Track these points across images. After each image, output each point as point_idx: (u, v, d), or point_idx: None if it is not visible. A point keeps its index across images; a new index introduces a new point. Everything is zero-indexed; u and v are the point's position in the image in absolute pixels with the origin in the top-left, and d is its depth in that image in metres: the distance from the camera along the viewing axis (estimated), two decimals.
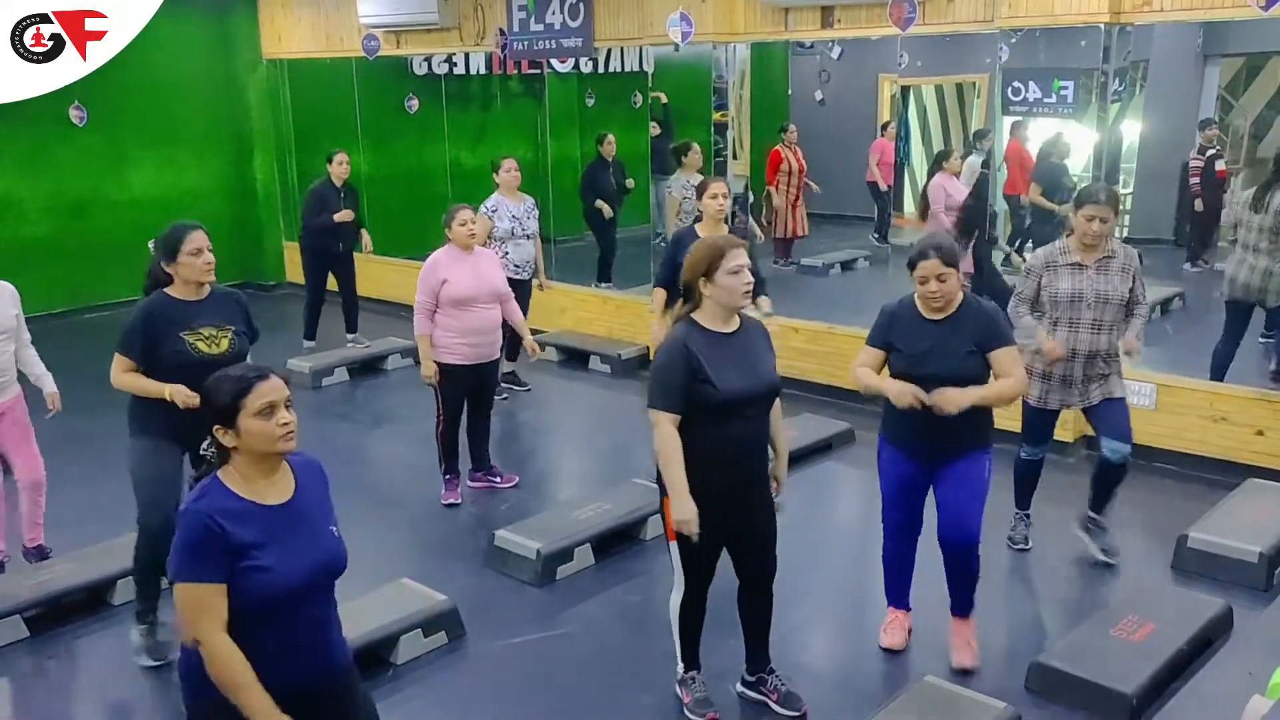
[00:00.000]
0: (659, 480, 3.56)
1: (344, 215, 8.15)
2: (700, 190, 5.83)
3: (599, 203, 9.61)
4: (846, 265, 10.89)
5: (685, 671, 3.86)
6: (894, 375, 3.90)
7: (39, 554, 5.00)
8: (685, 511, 3.39)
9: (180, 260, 3.99)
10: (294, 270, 10.42)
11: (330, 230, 8.21)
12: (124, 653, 4.39)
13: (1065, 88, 6.21)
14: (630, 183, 9.68)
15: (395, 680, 4.08)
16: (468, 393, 5.63)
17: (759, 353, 3.54)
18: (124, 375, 4.08)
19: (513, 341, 7.19)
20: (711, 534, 3.50)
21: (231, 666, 2.34)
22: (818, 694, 3.96)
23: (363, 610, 4.30)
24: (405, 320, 9.70)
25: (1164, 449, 5.91)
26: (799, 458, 6.17)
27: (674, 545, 3.60)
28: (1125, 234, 10.38)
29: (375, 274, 10.34)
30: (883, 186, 10.99)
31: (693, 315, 3.47)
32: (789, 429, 6.36)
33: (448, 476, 5.70)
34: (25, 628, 4.44)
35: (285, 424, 2.44)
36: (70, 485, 5.97)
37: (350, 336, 8.61)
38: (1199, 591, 4.49)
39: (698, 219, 5.95)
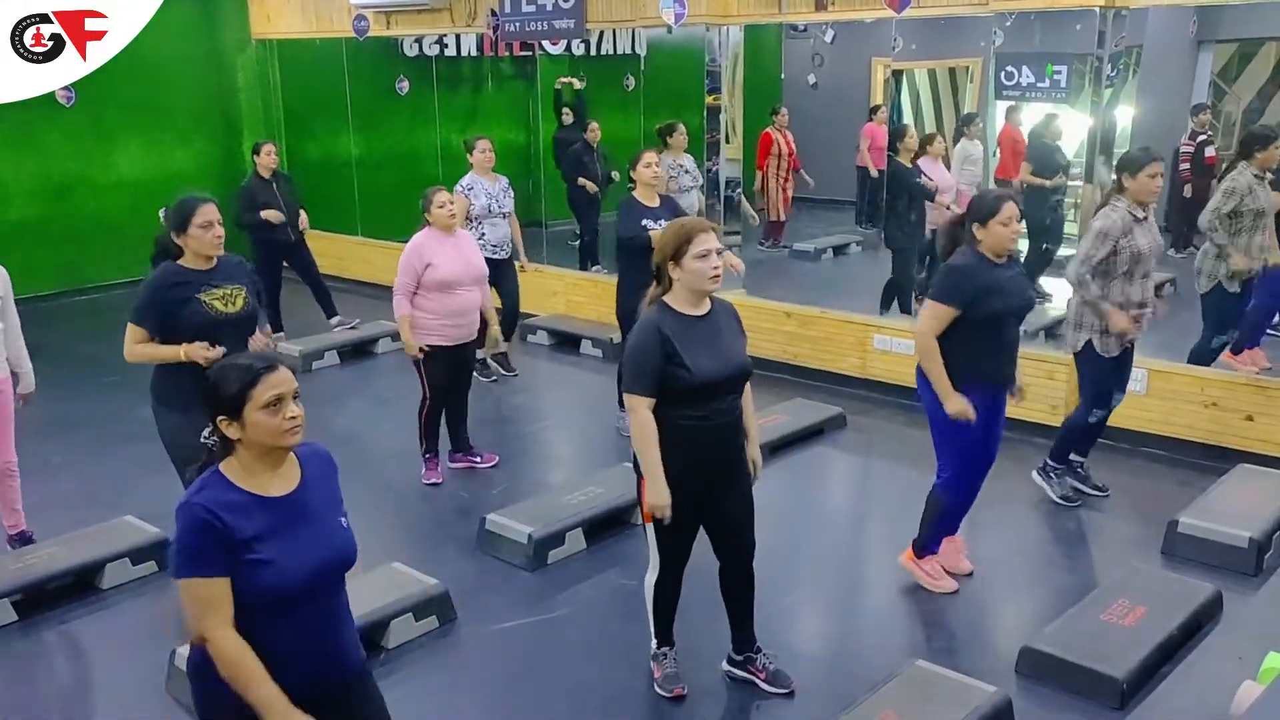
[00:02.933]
0: (635, 463, 3.57)
1: (271, 215, 7.98)
2: (635, 160, 6.09)
3: (581, 180, 9.57)
4: (839, 250, 10.87)
5: (658, 647, 3.90)
6: (984, 318, 4.13)
7: (21, 539, 4.92)
8: (660, 496, 3.43)
9: (190, 233, 4.01)
10: None
11: (267, 225, 8.06)
12: (113, 637, 4.38)
13: (1059, 72, 6.21)
14: (615, 174, 9.64)
15: (387, 664, 4.07)
16: (450, 373, 5.64)
17: (730, 335, 3.55)
18: (138, 347, 4.07)
19: (504, 322, 7.19)
20: (687, 516, 3.55)
21: (240, 662, 2.28)
22: (808, 677, 3.97)
23: (354, 594, 4.23)
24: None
25: (1154, 434, 5.92)
26: (790, 442, 6.17)
27: (649, 526, 3.63)
28: None
29: (363, 256, 10.31)
30: (873, 172, 10.96)
31: (664, 298, 3.48)
32: (782, 414, 6.41)
33: (428, 456, 5.74)
34: (13, 611, 4.42)
35: (293, 418, 2.37)
36: (57, 469, 5.95)
37: (334, 320, 8.54)
38: (1189, 576, 4.50)
39: (633, 187, 6.17)
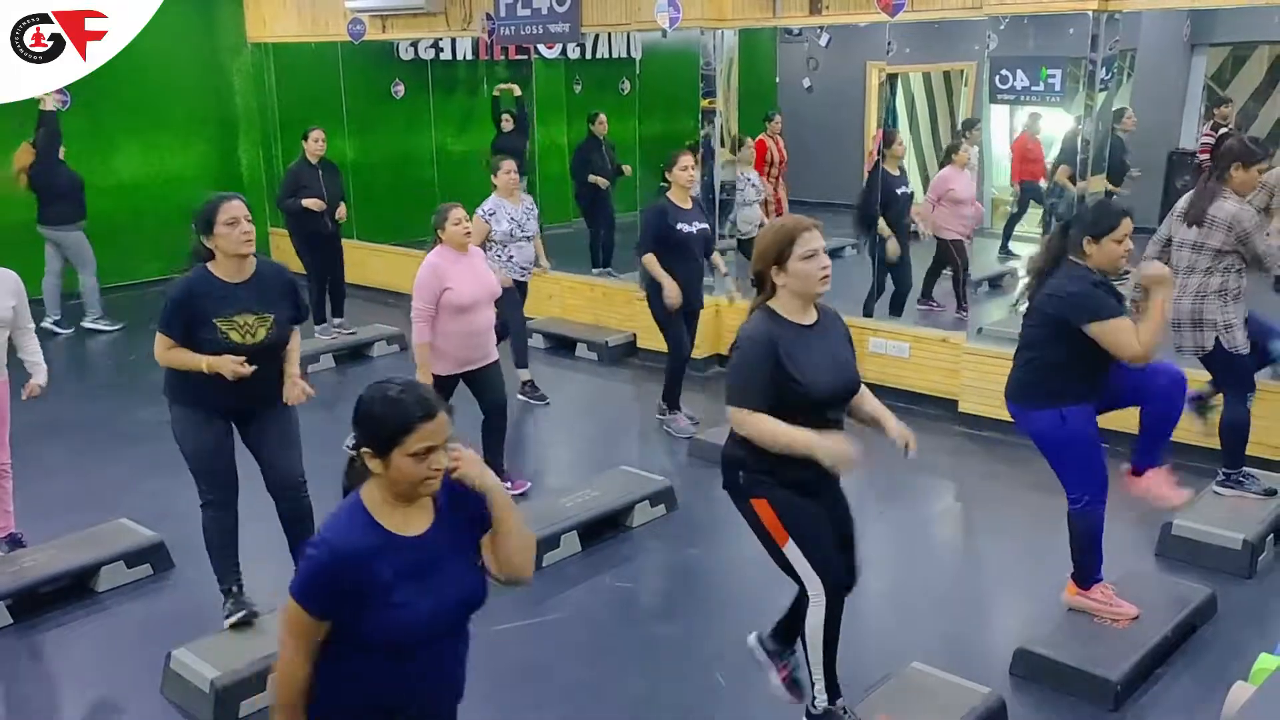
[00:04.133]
0: (743, 488, 3.28)
1: (313, 203, 7.98)
2: (672, 162, 6.05)
3: (593, 176, 9.56)
4: (834, 254, 10.86)
5: (831, 700, 3.39)
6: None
7: (11, 542, 4.83)
8: (836, 443, 3.06)
9: (217, 232, 3.85)
10: (280, 255, 10.34)
11: (305, 212, 8.05)
12: (108, 640, 4.38)
13: (1053, 76, 6.22)
14: (627, 169, 9.62)
15: None
16: (451, 395, 5.29)
17: (840, 345, 3.29)
18: (168, 353, 3.95)
19: (518, 348, 7.17)
20: (825, 526, 3.29)
21: (290, 687, 2.28)
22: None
23: None
24: (391, 307, 9.70)
25: None
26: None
27: (791, 547, 3.22)
28: None
29: (359, 259, 10.31)
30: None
31: (769, 304, 3.20)
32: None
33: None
34: (7, 614, 4.41)
35: (437, 470, 2.27)
36: (55, 471, 5.95)
37: (336, 321, 8.55)
38: (1183, 578, 4.52)
39: (666, 188, 6.12)
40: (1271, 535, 4.81)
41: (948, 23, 6.86)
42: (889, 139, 7.97)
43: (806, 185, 11.29)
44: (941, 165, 8.19)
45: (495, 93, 10.72)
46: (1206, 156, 9.40)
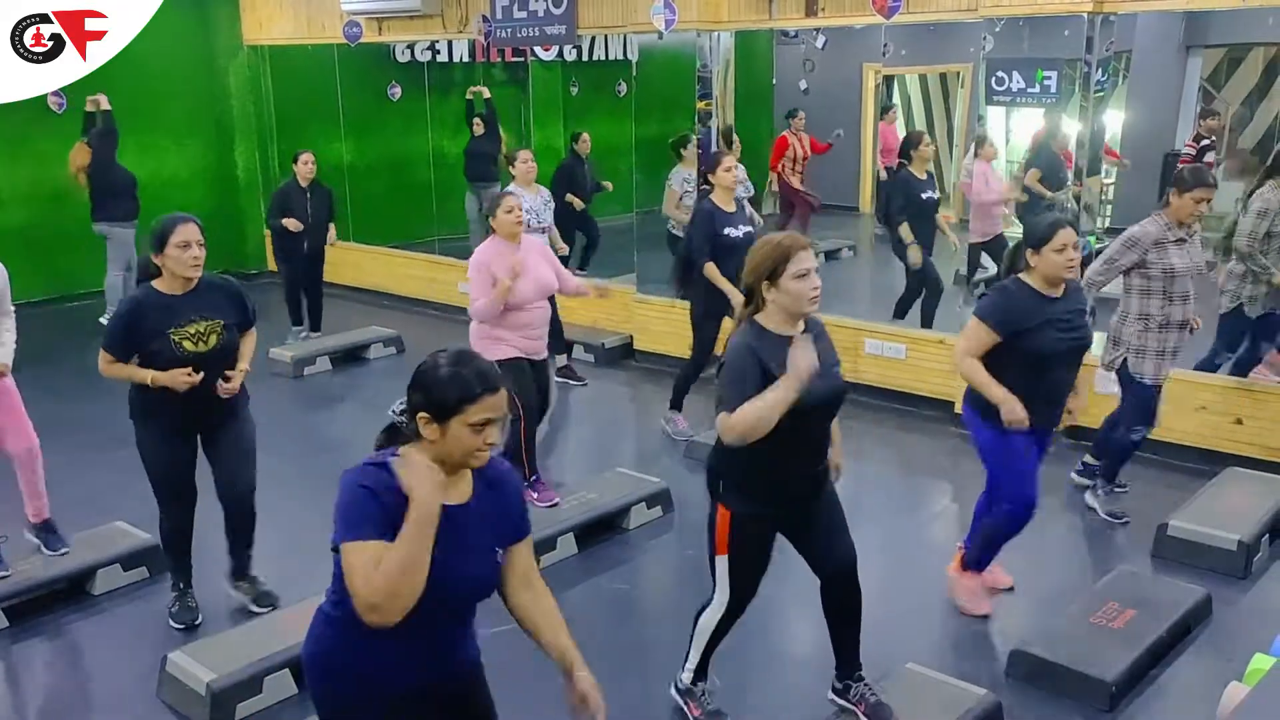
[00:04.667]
0: (713, 489, 3.43)
1: (292, 224, 8.00)
2: (714, 163, 5.96)
3: (569, 196, 9.56)
4: (830, 255, 10.89)
5: (693, 682, 3.69)
6: (1026, 356, 3.90)
7: (46, 528, 4.76)
8: (798, 367, 3.02)
9: (167, 252, 3.94)
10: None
11: (287, 232, 8.09)
12: (104, 643, 4.37)
13: (1048, 78, 6.23)
14: (608, 185, 9.62)
15: None
16: (532, 385, 5.21)
17: (826, 355, 3.25)
18: (110, 367, 4.04)
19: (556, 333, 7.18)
20: (768, 544, 3.44)
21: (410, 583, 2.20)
22: (800, 680, 3.98)
23: None
24: (387, 309, 9.71)
25: (1145, 438, 5.93)
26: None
27: (722, 560, 3.43)
28: (1107, 224, 10.44)
29: (356, 261, 10.31)
30: (881, 175, 10.97)
31: (755, 318, 3.24)
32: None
33: (534, 479, 5.28)
34: (4, 617, 4.41)
35: (490, 443, 2.30)
36: (52, 474, 5.90)
37: (301, 330, 8.57)
38: (1179, 579, 4.52)
39: (710, 190, 6.03)
40: (1266, 536, 4.82)
41: (943, 25, 6.88)
42: (915, 140, 7.48)
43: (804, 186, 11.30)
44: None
45: (468, 95, 10.70)
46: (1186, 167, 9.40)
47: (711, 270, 5.91)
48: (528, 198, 6.89)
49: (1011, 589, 4.60)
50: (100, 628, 4.47)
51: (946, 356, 6.67)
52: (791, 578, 4.64)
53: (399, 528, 2.18)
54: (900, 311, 7.60)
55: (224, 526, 4.44)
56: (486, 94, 10.37)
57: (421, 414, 2.29)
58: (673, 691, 3.77)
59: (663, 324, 7.90)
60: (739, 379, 3.16)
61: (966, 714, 3.49)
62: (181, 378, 3.92)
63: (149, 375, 3.94)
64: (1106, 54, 6.02)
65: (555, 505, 5.18)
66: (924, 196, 7.32)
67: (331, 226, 8.39)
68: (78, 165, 8.86)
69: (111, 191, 8.85)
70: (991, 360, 3.96)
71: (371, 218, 10.64)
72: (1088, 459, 5.53)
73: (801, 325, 3.27)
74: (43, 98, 9.59)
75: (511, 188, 6.97)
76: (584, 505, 5.17)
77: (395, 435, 2.39)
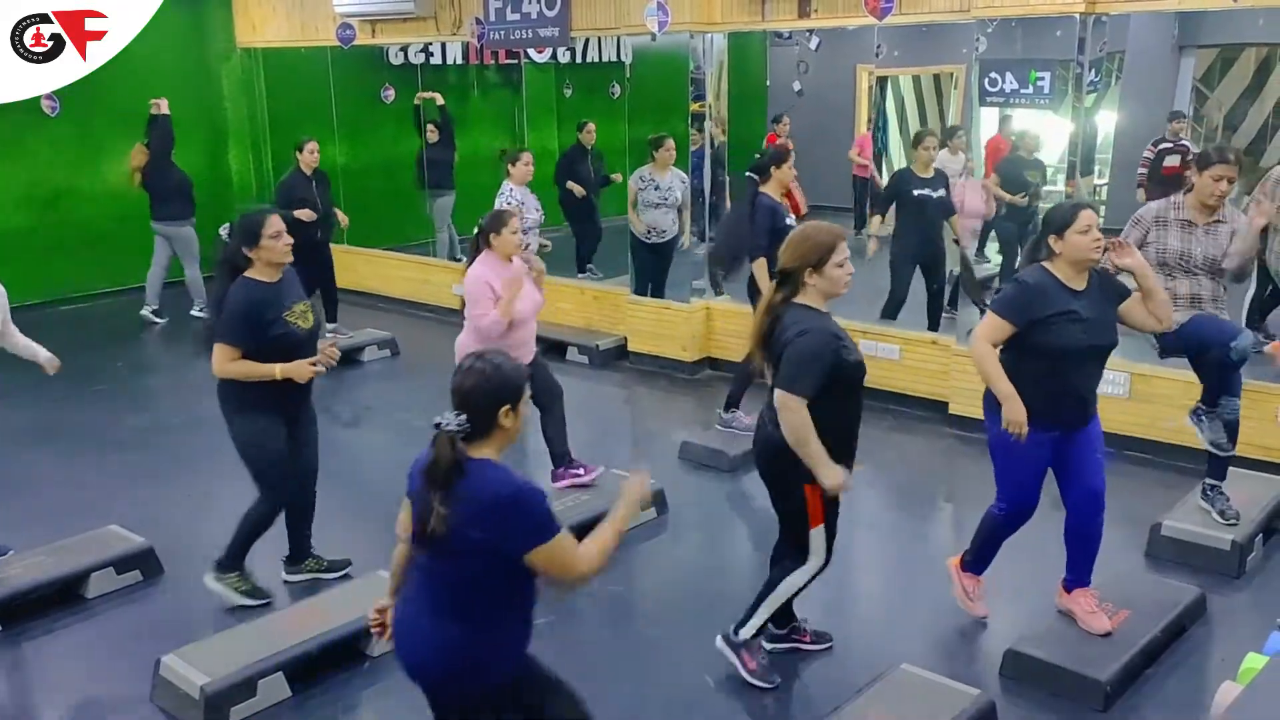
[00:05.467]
0: (792, 473, 3.60)
1: (305, 214, 7.94)
2: (779, 159, 6.06)
3: (570, 184, 9.57)
4: None
5: (753, 636, 3.90)
6: (1045, 350, 3.81)
7: None
8: (837, 474, 3.52)
9: (263, 244, 4.15)
10: None
11: (297, 221, 8.07)
12: (98, 646, 4.36)
13: (1041, 79, 6.24)
14: (617, 176, 9.60)
15: (372, 672, 4.07)
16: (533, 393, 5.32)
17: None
18: (232, 365, 4.18)
19: None
20: (836, 505, 3.73)
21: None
22: (793, 680, 3.98)
23: (338, 602, 4.29)
24: (381, 311, 9.70)
25: (1138, 438, 5.95)
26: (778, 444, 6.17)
27: (818, 530, 3.70)
28: (1100, 224, 10.44)
29: (349, 264, 10.30)
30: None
31: (800, 300, 3.57)
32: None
33: (559, 469, 5.56)
34: None
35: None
36: (45, 478, 5.94)
37: (330, 327, 8.54)
38: (1173, 579, 4.53)
39: (763, 181, 6.06)
40: (1260, 535, 4.83)
41: (936, 26, 6.89)
42: (917, 139, 7.61)
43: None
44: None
45: (416, 101, 10.62)
46: (1144, 172, 9.37)
47: (762, 266, 5.85)
48: (533, 199, 7.16)
49: (1108, 634, 4.23)
50: (94, 631, 4.46)
51: (941, 357, 6.68)
52: None
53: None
54: (889, 312, 7.67)
55: (288, 510, 4.60)
56: (439, 100, 10.33)
57: (505, 407, 2.60)
58: (722, 645, 3.93)
59: (656, 325, 7.90)
60: (814, 360, 3.47)
61: (961, 714, 3.49)
62: (307, 369, 4.20)
63: (276, 369, 4.15)
64: (1099, 55, 6.03)
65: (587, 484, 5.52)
66: (915, 194, 7.38)
67: (339, 212, 8.43)
68: (135, 166, 9.08)
69: (169, 193, 9.14)
70: (1010, 355, 3.87)
71: (365, 220, 10.59)
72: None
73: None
74: (36, 101, 9.58)
75: (519, 188, 7.12)
76: (577, 506, 5.17)
77: (453, 444, 2.56)
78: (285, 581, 4.69)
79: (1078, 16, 5.82)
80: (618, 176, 9.54)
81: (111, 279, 10.31)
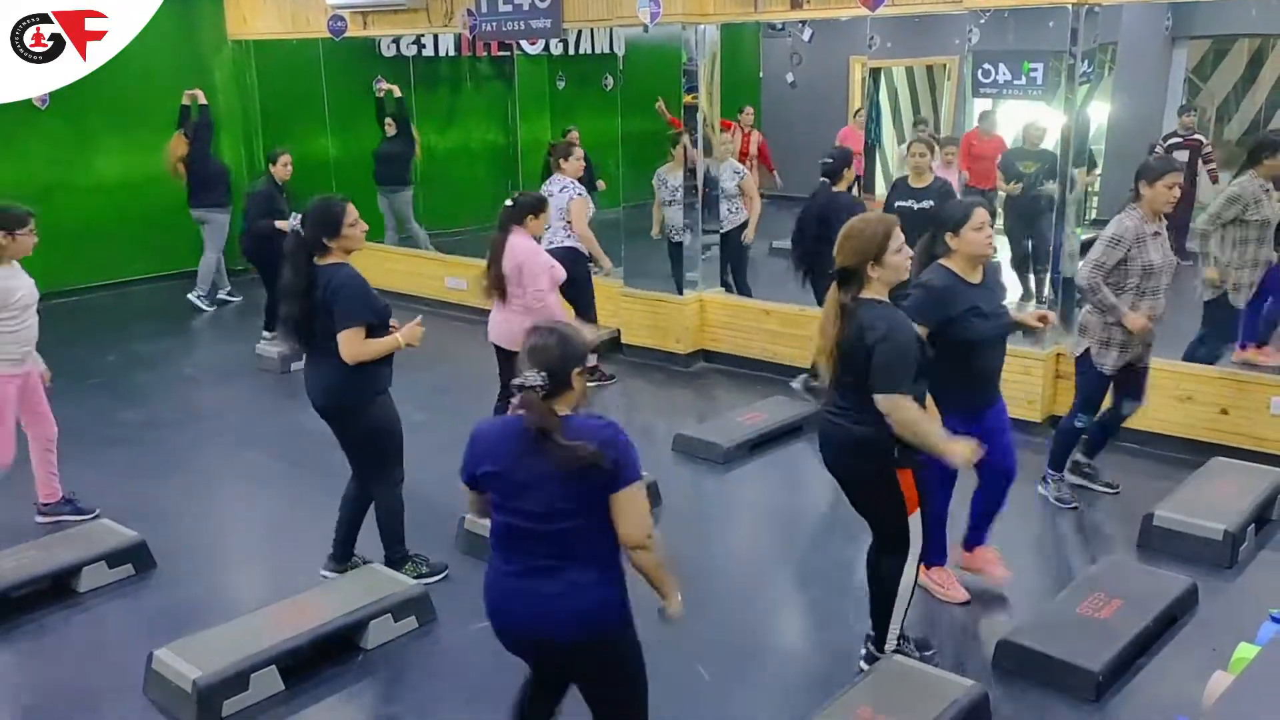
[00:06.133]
0: (890, 459, 3.56)
1: (286, 225, 7.84)
2: (849, 160, 6.29)
3: None
4: None
5: (900, 645, 3.86)
6: (959, 343, 4.01)
7: (72, 506, 5.27)
8: (966, 445, 3.54)
9: (345, 233, 4.26)
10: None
11: (273, 233, 7.91)
12: (90, 640, 4.36)
13: (1035, 70, 6.23)
14: (601, 184, 9.55)
15: (366, 665, 4.07)
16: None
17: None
18: (366, 345, 4.25)
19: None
20: None
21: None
22: (787, 673, 3.99)
23: (332, 595, 4.29)
24: None
25: (1130, 428, 5.94)
26: (770, 439, 6.18)
27: (915, 517, 3.67)
28: (1093, 215, 10.46)
29: None
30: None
31: (866, 294, 3.52)
32: (761, 412, 6.44)
33: None
34: None
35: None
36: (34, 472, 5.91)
37: (268, 335, 8.30)
38: (1165, 569, 4.54)
39: (832, 180, 6.37)
40: (1252, 526, 4.84)
41: (929, 17, 6.87)
42: (908, 146, 7.12)
43: (791, 180, 11.29)
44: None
45: (378, 94, 10.53)
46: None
47: None
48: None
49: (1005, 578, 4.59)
50: (85, 625, 4.45)
51: None
52: (780, 578, 4.65)
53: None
54: None
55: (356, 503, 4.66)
56: (398, 92, 10.27)
57: (577, 369, 2.74)
58: (865, 666, 3.88)
59: (650, 318, 7.89)
60: (907, 358, 3.48)
61: (953, 704, 3.50)
62: (418, 329, 4.36)
63: (399, 339, 4.30)
64: (1092, 46, 6.03)
65: None
66: (896, 205, 6.72)
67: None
68: (176, 156, 9.35)
69: (208, 181, 9.41)
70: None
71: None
72: (1078, 457, 5.49)
73: None
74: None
75: (572, 180, 7.15)
76: None
77: (541, 397, 2.69)
78: (324, 577, 4.63)
79: (1070, 7, 5.82)
80: (601, 185, 9.48)
81: (103, 273, 10.29)
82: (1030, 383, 6.14)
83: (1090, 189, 9.80)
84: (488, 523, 4.86)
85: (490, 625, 2.88)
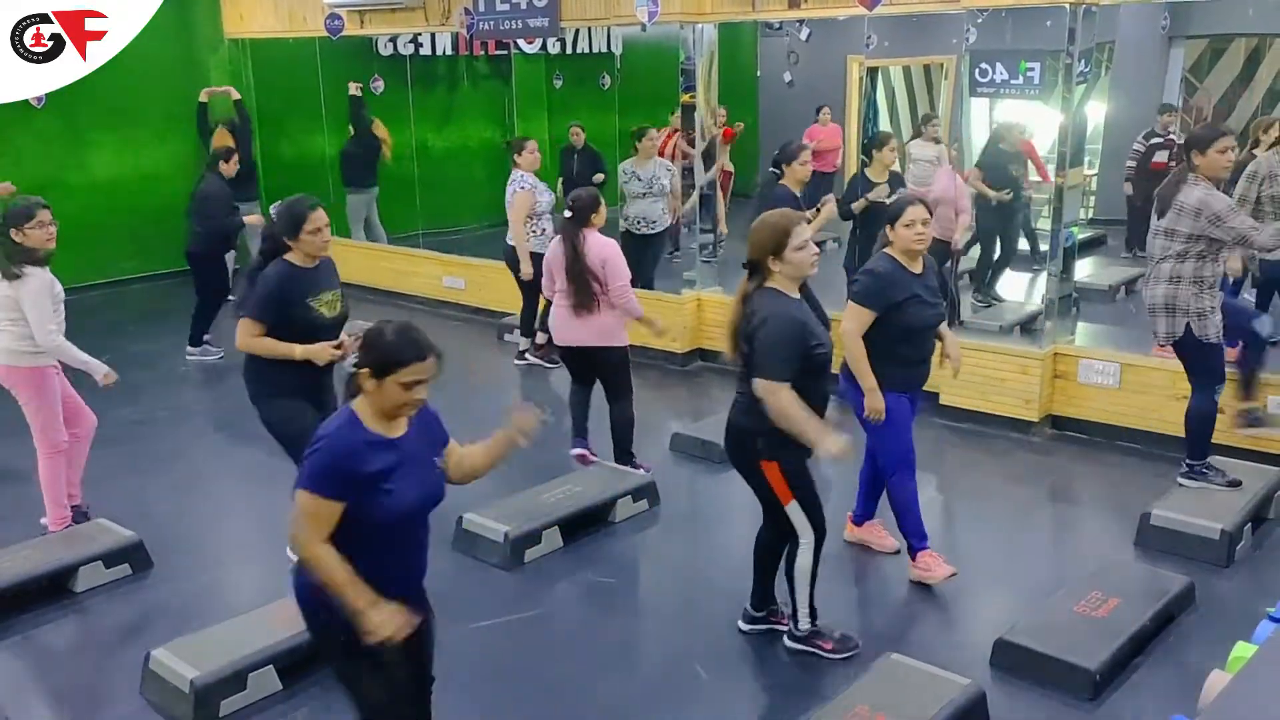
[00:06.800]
0: (761, 455, 3.72)
1: (254, 219, 7.90)
2: (788, 156, 6.21)
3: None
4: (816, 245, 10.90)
5: (813, 622, 4.00)
6: (899, 328, 4.26)
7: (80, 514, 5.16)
8: (840, 440, 3.54)
9: (301, 238, 4.26)
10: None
11: (235, 232, 7.98)
12: (86, 640, 4.35)
13: (1032, 69, 6.24)
14: (599, 177, 9.55)
15: None
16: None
17: (819, 311, 3.80)
18: (254, 340, 4.29)
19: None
20: (808, 467, 3.82)
21: (331, 567, 2.65)
22: (785, 670, 3.99)
23: None
24: (370, 303, 9.66)
25: (1127, 427, 5.96)
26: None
27: (793, 506, 3.79)
28: (1090, 215, 10.47)
29: (339, 256, 10.21)
30: None
31: (771, 286, 3.65)
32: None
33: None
34: None
35: (419, 400, 2.70)
36: (31, 472, 5.89)
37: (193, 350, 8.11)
38: (1162, 568, 4.54)
39: (779, 177, 6.29)
40: (1249, 525, 4.85)
41: (927, 16, 6.87)
42: (880, 141, 7.32)
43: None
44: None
45: (353, 93, 10.47)
46: (1132, 165, 9.35)
47: None
48: (541, 185, 7.36)
49: (897, 552, 4.75)
50: (82, 625, 4.45)
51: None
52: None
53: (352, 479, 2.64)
54: None
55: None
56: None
57: (364, 369, 2.68)
58: (791, 644, 4.03)
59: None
60: (785, 345, 3.56)
61: (950, 703, 3.50)
62: (328, 351, 4.26)
63: (297, 349, 4.24)
64: (1089, 46, 6.03)
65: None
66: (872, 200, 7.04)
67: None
68: (220, 145, 9.32)
69: (244, 175, 9.37)
70: (870, 333, 4.29)
71: (350, 211, 10.59)
72: (1189, 460, 5.25)
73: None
74: None
75: (529, 175, 7.30)
76: (569, 498, 5.16)
77: (350, 390, 2.76)
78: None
79: (1068, 7, 5.81)
80: (600, 177, 9.48)
81: (98, 271, 10.27)
82: (1028, 382, 6.15)
83: (1087, 188, 9.82)
84: (485, 522, 4.92)
85: None
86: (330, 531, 2.66)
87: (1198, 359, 5.07)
